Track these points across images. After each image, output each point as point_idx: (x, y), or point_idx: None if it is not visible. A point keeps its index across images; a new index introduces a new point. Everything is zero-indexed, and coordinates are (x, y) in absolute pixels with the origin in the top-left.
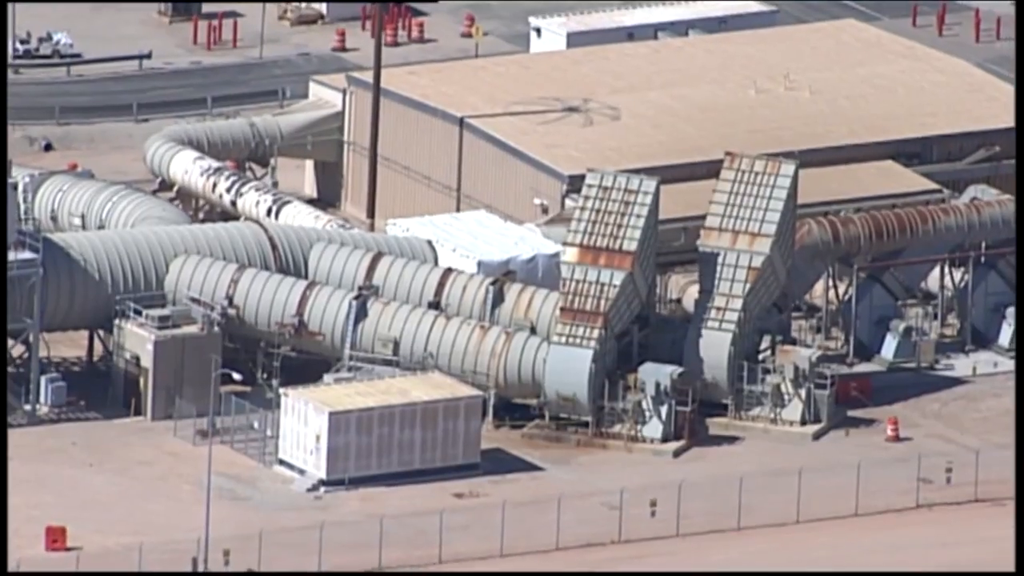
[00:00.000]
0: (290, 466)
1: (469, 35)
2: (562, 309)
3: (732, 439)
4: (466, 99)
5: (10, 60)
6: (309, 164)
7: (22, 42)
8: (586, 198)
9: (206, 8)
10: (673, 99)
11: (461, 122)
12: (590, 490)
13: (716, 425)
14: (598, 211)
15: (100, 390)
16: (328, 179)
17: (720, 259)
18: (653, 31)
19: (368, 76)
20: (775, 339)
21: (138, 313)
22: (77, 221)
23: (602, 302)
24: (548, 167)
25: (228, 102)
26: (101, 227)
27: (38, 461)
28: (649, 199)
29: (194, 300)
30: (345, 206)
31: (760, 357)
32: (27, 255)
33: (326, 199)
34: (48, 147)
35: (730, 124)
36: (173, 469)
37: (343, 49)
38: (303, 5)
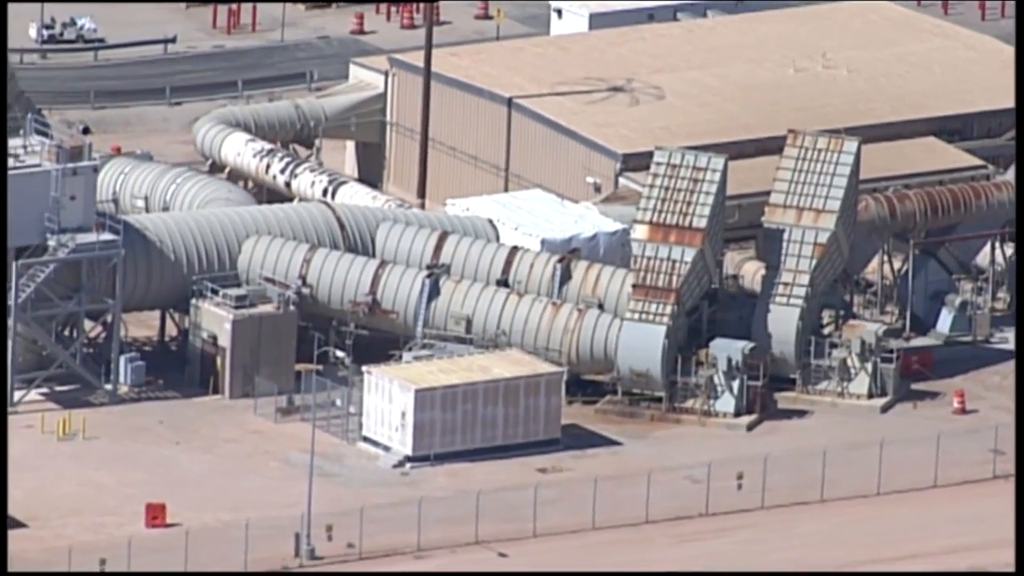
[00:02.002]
0: (374, 443)
1: (484, 17)
2: (634, 286)
3: (801, 413)
4: (511, 80)
5: (35, 45)
6: (350, 145)
7: (46, 27)
8: (654, 176)
9: None
10: (714, 78)
11: (509, 102)
12: (670, 464)
13: (784, 399)
14: (667, 188)
15: (175, 369)
16: (369, 160)
17: (785, 235)
18: (672, 12)
19: (410, 58)
20: (838, 314)
21: (215, 293)
22: (140, 203)
23: (674, 278)
24: (601, 146)
25: (257, 85)
26: (165, 209)
27: (126, 439)
28: (717, 176)
29: (268, 280)
30: (387, 186)
31: (824, 332)
32: (108, 236)
33: (367, 179)
34: (86, 131)
35: (773, 103)
36: (258, 447)
37: (361, 32)
38: None
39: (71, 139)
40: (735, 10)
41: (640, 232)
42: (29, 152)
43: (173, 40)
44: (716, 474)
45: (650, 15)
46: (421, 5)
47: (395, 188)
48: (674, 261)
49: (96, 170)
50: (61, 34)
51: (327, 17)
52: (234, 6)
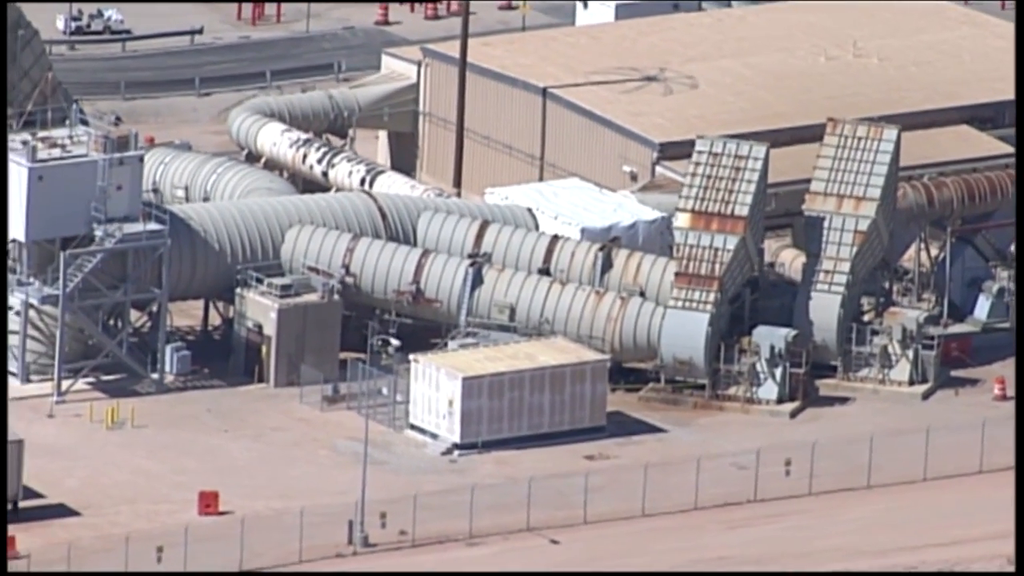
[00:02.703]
0: (421, 430)
1: (507, 7)
2: (677, 274)
3: (843, 400)
4: (544, 69)
5: (63, 37)
6: (383, 135)
7: (74, 19)
8: (696, 164)
9: None
10: (746, 67)
11: (544, 92)
12: (715, 451)
13: (826, 386)
14: (708, 177)
15: (219, 358)
16: (402, 149)
17: (826, 223)
18: (698, 1)
19: (443, 48)
20: (878, 302)
21: (260, 282)
22: (180, 193)
23: (716, 266)
24: (637, 135)
25: (285, 76)
26: (206, 199)
27: (174, 428)
28: (759, 164)
29: (311, 269)
30: (420, 176)
31: (864, 319)
32: (154, 226)
33: (400, 169)
34: (118, 121)
35: (806, 91)
36: (306, 435)
37: (386, 23)
38: None
39: (117, 129)
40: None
41: (682, 220)
42: (75, 142)
43: (200, 31)
44: (762, 461)
45: (675, 5)
46: None
47: (428, 177)
48: (716, 249)
49: (142, 160)
50: (88, 26)
51: (351, 8)
52: None
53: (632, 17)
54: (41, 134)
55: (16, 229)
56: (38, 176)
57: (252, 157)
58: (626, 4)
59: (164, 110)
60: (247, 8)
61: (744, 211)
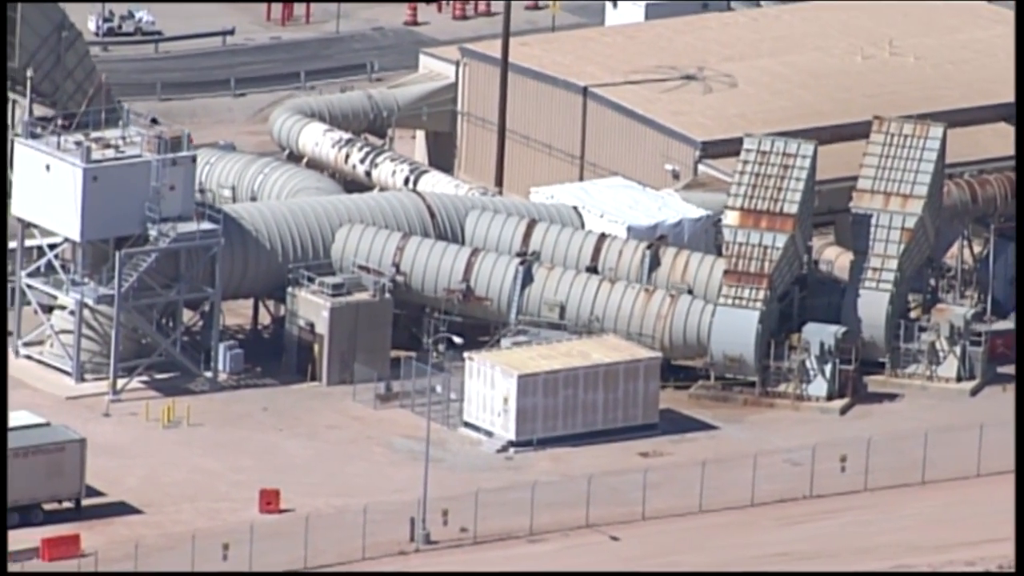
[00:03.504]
0: (476, 428)
1: (534, 7)
2: (726, 272)
3: (892, 396)
4: (583, 69)
5: (94, 38)
6: (420, 134)
7: (105, 20)
8: (744, 162)
9: None
10: (784, 66)
11: (585, 91)
12: (767, 448)
13: (874, 383)
14: (757, 175)
15: (269, 356)
16: (440, 149)
17: (873, 221)
18: (726, 2)
19: (481, 47)
20: (925, 298)
21: (311, 281)
22: (227, 193)
23: (766, 264)
24: (679, 134)
25: (318, 76)
26: (253, 198)
27: (230, 426)
28: (808, 162)
29: (362, 268)
30: (459, 175)
31: (911, 316)
32: (208, 225)
33: (437, 169)
34: (154, 122)
35: (845, 89)
36: (360, 432)
37: (415, 23)
38: None
39: (170, 129)
40: None
41: (731, 218)
42: (128, 143)
43: (231, 32)
44: (816, 457)
45: (704, 4)
46: None
47: (466, 177)
48: (766, 247)
49: (195, 160)
50: (119, 27)
51: (380, 8)
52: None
53: (662, 17)
54: (94, 135)
55: (70, 229)
56: (92, 177)
57: (293, 157)
58: (656, 4)
59: (200, 111)
60: (276, 9)
61: (793, 209)
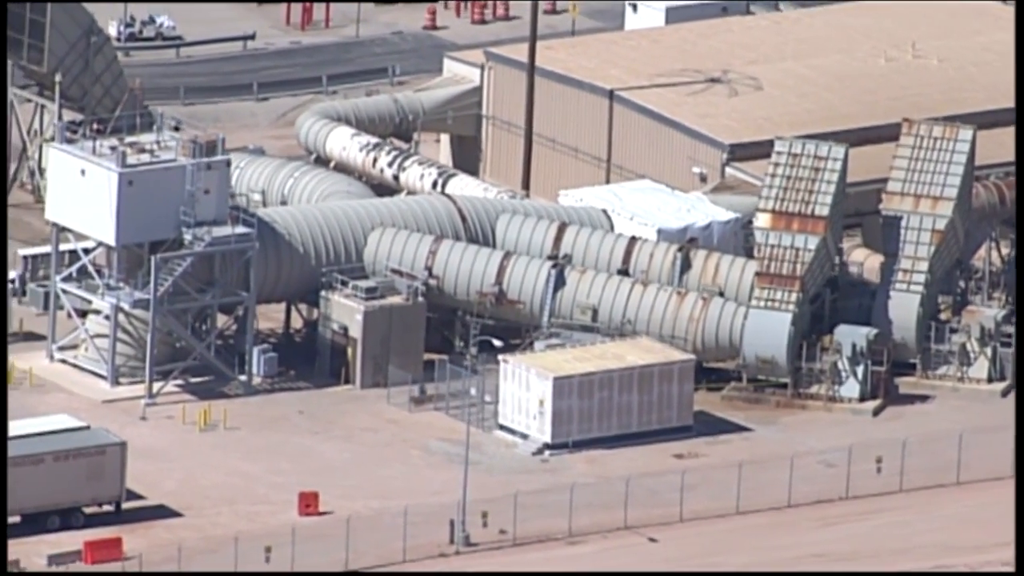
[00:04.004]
0: (511, 431)
1: (552, 11)
2: (758, 274)
3: (923, 398)
4: (608, 72)
5: (116, 43)
6: (445, 138)
7: (126, 25)
8: (775, 164)
9: None
10: (808, 69)
11: (611, 95)
12: (801, 449)
13: (905, 384)
14: (788, 177)
15: (302, 360)
16: (464, 152)
17: (904, 223)
18: (746, 5)
19: (506, 51)
20: (955, 300)
21: (345, 284)
22: (257, 197)
23: (798, 266)
24: (707, 136)
25: (340, 80)
26: (283, 202)
27: (266, 429)
28: (838, 164)
29: (395, 271)
30: (483, 178)
31: (940, 318)
32: (243, 229)
33: (462, 172)
34: (178, 127)
35: (869, 92)
36: (396, 435)
37: (434, 27)
38: None
39: (204, 134)
40: (807, 3)
41: (763, 220)
42: (163, 147)
43: (252, 37)
44: (846, 458)
45: (724, 8)
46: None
47: (491, 180)
48: (798, 249)
49: (229, 164)
50: (140, 32)
51: (397, 13)
52: (307, 3)
53: (681, 21)
54: (129, 139)
55: (106, 234)
56: (128, 181)
57: (320, 161)
58: (676, 7)
59: (223, 115)
60: (296, 13)
61: (824, 211)
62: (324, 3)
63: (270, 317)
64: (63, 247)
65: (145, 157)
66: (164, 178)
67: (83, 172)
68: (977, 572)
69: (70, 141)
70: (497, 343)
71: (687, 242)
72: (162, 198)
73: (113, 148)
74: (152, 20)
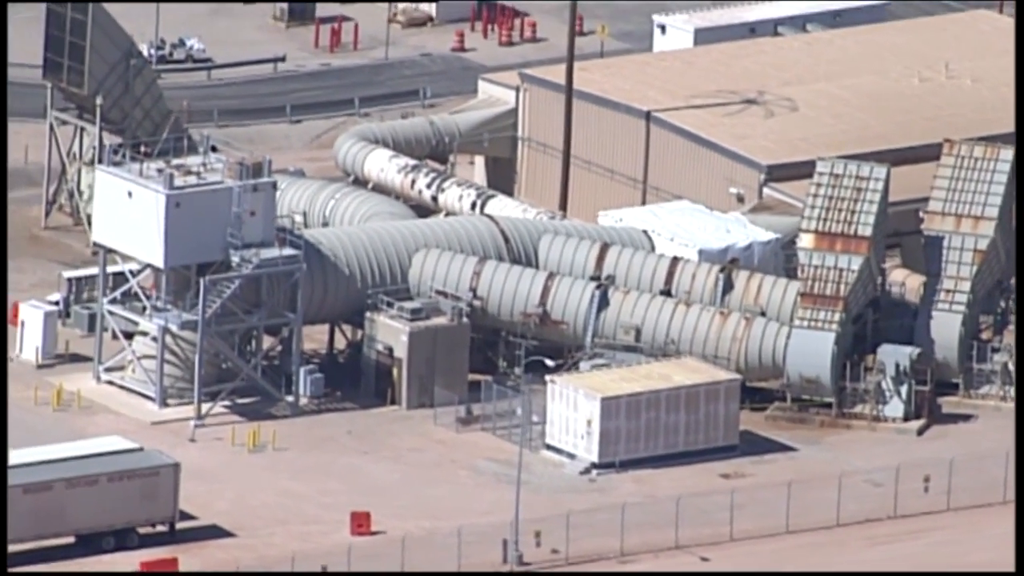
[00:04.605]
0: (558, 450)
1: (579, 33)
2: (802, 294)
3: (966, 417)
4: (644, 93)
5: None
6: (479, 159)
7: (157, 48)
8: (817, 185)
9: (318, 13)
10: (842, 90)
11: (647, 116)
12: (847, 468)
13: (948, 403)
14: (830, 198)
15: (346, 381)
16: (499, 173)
17: (945, 243)
18: (773, 26)
19: (541, 73)
20: (996, 320)
21: (390, 306)
22: (299, 219)
23: (841, 286)
24: (744, 157)
25: (371, 103)
26: (325, 224)
27: (314, 450)
28: (880, 185)
29: (439, 292)
30: (519, 200)
31: (982, 337)
32: (290, 251)
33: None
34: (213, 149)
35: (904, 112)
36: (444, 456)
37: (462, 49)
38: (413, 7)
39: (251, 155)
40: (834, 24)
41: (806, 241)
42: (209, 169)
43: (283, 59)
44: (891, 478)
45: (751, 28)
46: (519, 22)
47: (527, 201)
48: (841, 269)
49: (275, 186)
50: (171, 54)
51: (426, 35)
52: (335, 25)
53: (709, 42)
54: (175, 161)
55: (153, 256)
56: (175, 203)
57: (358, 183)
58: (704, 29)
59: (256, 137)
60: (324, 36)
61: (867, 231)
62: (354, 23)
63: (313, 338)
64: (108, 269)
65: (192, 179)
66: (211, 200)
67: (130, 194)
68: (977, 572)
69: (116, 163)
70: (550, 363)
71: (729, 262)
72: (209, 220)
73: (160, 170)
74: (182, 43)
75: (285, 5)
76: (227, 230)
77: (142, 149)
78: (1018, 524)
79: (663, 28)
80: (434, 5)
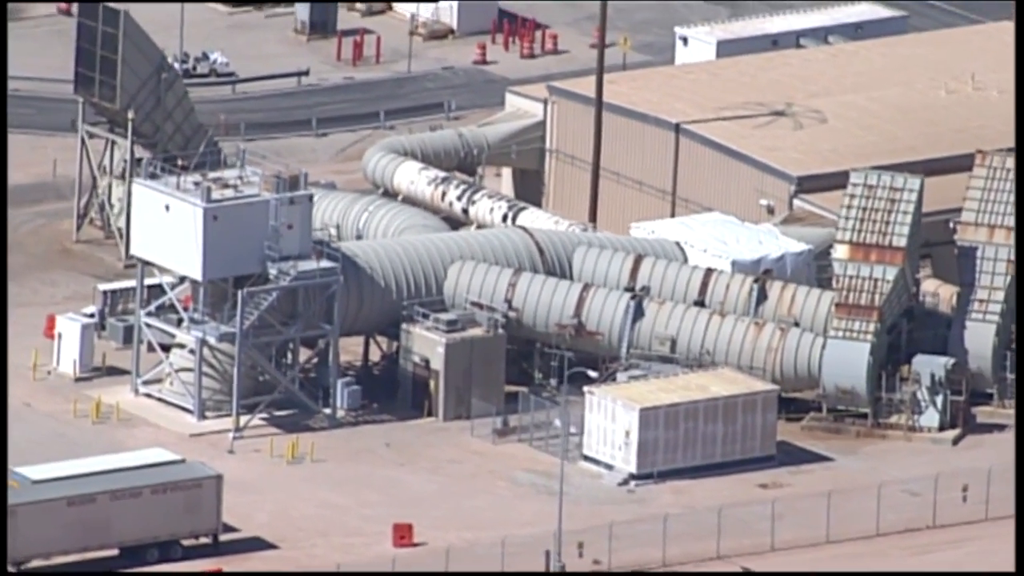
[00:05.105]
0: (596, 461)
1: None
2: (837, 304)
3: (1000, 427)
4: (672, 106)
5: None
6: (507, 171)
7: (180, 62)
8: (851, 196)
9: (339, 26)
10: (870, 101)
11: (677, 128)
12: (885, 478)
13: (982, 413)
14: (864, 209)
15: (381, 393)
16: (526, 185)
17: (979, 253)
18: (795, 38)
19: (569, 85)
20: None
21: (426, 317)
22: (333, 232)
23: (876, 297)
24: (775, 168)
25: (396, 115)
26: (358, 237)
27: (352, 461)
28: (914, 196)
29: (475, 304)
30: (547, 211)
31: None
32: (327, 264)
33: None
34: (243, 163)
35: (932, 124)
36: (481, 467)
37: (484, 62)
38: (434, 19)
39: (287, 169)
40: (855, 36)
41: (841, 252)
42: (246, 183)
43: (306, 73)
44: (929, 487)
45: (774, 40)
46: (540, 35)
47: (556, 213)
48: (876, 280)
49: (311, 199)
50: (194, 68)
51: (447, 48)
52: (357, 38)
53: (732, 54)
54: (212, 175)
55: (191, 268)
56: (213, 216)
57: (387, 195)
58: (727, 41)
59: (284, 150)
60: (346, 49)
61: (902, 242)
62: (376, 36)
63: (347, 350)
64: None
65: (229, 192)
66: (248, 213)
67: (167, 207)
68: (977, 572)
69: (152, 176)
70: (593, 374)
71: (763, 273)
72: (246, 233)
73: (197, 183)
74: (205, 56)
75: (306, 18)
76: (264, 243)
77: (179, 162)
78: (1018, 524)
79: (685, 40)
80: (455, 16)
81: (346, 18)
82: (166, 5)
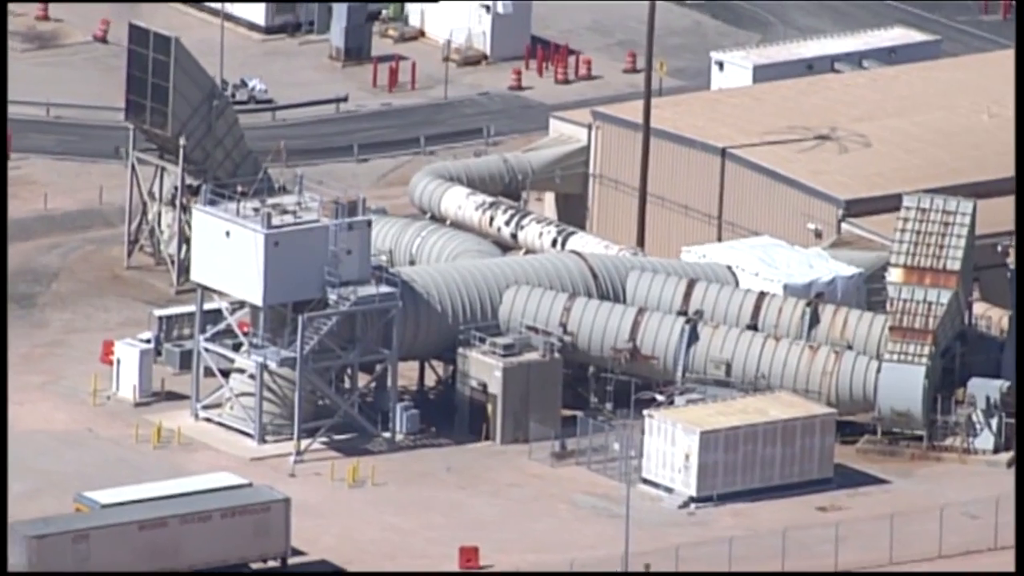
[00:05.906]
0: (655, 484)
1: (631, 70)
2: (892, 328)
3: None
4: (717, 131)
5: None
6: (549, 196)
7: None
8: (904, 220)
9: (373, 52)
10: (914, 125)
11: (723, 152)
12: (942, 501)
13: None
14: (918, 232)
15: (438, 417)
16: (569, 210)
17: None
18: (830, 62)
19: (613, 110)
20: None
21: (482, 342)
22: (384, 258)
23: (930, 320)
24: (822, 193)
25: (435, 141)
26: (411, 262)
27: (413, 485)
28: (967, 219)
29: (531, 328)
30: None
31: None
32: (387, 289)
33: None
34: (283, 189)
35: (976, 147)
36: (542, 490)
37: (520, 88)
38: (467, 47)
39: (345, 194)
40: (889, 60)
41: (895, 275)
42: (304, 208)
43: (345, 99)
44: (986, 510)
45: (809, 65)
46: (573, 60)
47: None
48: (930, 303)
49: (370, 224)
50: (233, 95)
51: (482, 74)
52: (393, 64)
53: (768, 79)
54: (271, 201)
55: (252, 294)
56: (274, 242)
57: (435, 220)
58: (763, 66)
59: (326, 176)
60: (382, 75)
61: (956, 265)
62: (411, 62)
63: (402, 375)
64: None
65: (288, 218)
66: (308, 238)
67: (228, 233)
68: (977, 572)
69: (212, 203)
70: (660, 398)
71: (815, 297)
72: (306, 258)
73: (256, 209)
74: (244, 83)
75: (341, 44)
76: (324, 268)
77: (238, 189)
78: (1018, 525)
79: (721, 65)
80: (488, 42)
81: (379, 44)
82: (201, 32)
